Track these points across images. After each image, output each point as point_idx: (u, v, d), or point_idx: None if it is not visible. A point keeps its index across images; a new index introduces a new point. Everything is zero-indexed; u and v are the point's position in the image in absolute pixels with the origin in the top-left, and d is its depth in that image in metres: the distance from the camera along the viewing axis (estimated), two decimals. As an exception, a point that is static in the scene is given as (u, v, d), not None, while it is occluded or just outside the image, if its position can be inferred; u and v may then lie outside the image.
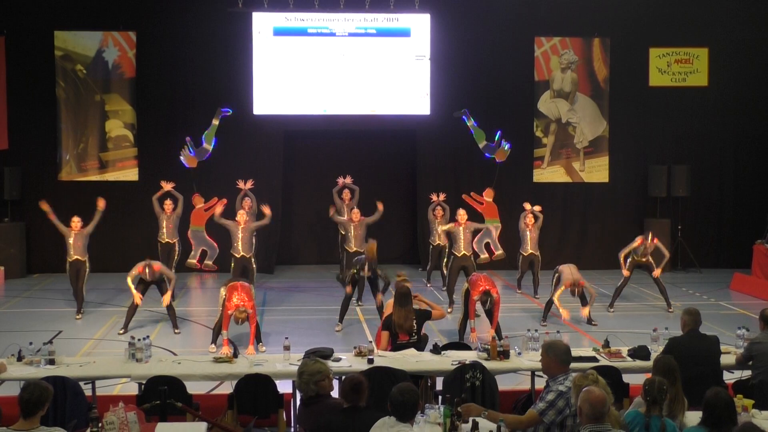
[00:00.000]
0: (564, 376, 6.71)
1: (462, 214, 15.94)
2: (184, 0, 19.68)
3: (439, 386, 8.94)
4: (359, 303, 15.90)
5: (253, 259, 15.84)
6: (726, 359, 8.88)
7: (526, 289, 17.46)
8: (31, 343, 9.12)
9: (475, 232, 16.55)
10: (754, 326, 10.56)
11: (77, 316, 14.94)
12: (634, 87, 20.82)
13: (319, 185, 20.11)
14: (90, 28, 19.84)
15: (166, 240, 17.82)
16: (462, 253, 15.61)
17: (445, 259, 17.06)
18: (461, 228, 15.68)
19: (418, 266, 20.17)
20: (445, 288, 16.53)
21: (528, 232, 17.10)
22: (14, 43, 19.62)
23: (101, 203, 15.29)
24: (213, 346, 12.22)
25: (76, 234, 15.05)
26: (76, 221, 15.05)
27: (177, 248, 17.87)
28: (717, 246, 21.02)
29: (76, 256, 15.08)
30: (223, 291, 12.00)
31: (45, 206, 15.12)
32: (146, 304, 15.63)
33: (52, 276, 18.98)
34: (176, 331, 13.75)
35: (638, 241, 15.50)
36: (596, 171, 20.86)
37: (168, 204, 17.78)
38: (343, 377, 6.57)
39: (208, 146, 19.31)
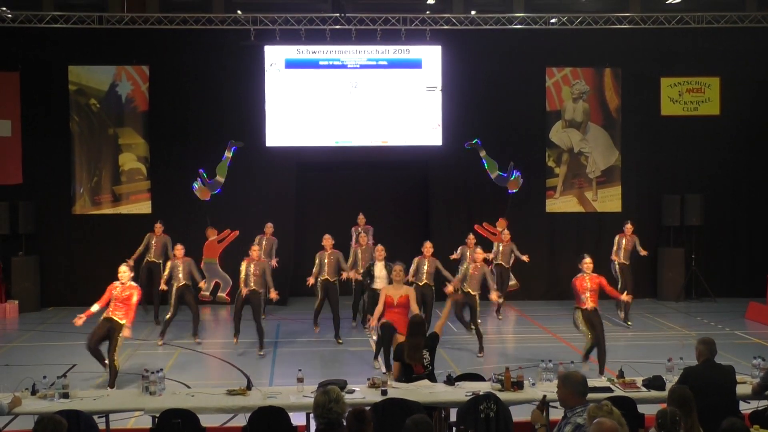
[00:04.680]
0: (582, 407, 6.64)
1: (427, 246, 15.59)
2: (197, 34, 19.82)
3: (453, 417, 8.91)
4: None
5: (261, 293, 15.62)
6: (742, 389, 8.81)
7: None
8: (45, 377, 9.13)
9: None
10: (769, 356, 10.48)
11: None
12: (646, 116, 20.82)
13: (331, 216, 20.12)
14: (103, 63, 20.02)
15: (152, 259, 17.99)
16: (423, 282, 15.34)
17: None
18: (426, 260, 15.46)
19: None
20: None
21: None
22: (29, 78, 19.80)
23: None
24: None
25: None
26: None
27: (162, 269, 17.31)
28: (731, 275, 20.88)
29: None
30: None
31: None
32: (159, 337, 15.70)
33: (66, 309, 18.99)
34: (159, 342, 14.83)
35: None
36: (609, 200, 20.83)
37: (158, 226, 18.07)
38: (347, 411, 6.53)
39: (221, 178, 19.38)
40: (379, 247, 15.59)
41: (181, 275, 15.34)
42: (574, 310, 12.74)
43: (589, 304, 12.45)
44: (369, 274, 15.67)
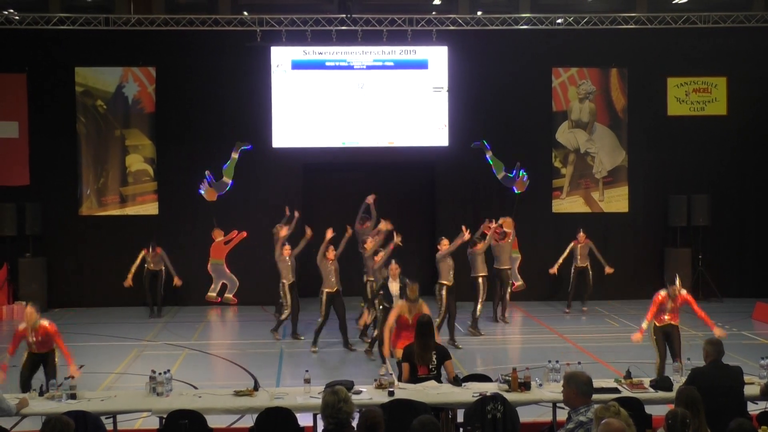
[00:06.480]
0: (585, 407, 6.65)
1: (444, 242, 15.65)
2: (203, 35, 19.84)
3: (460, 418, 8.89)
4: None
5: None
6: (749, 390, 8.80)
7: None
8: (53, 378, 9.14)
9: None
10: (777, 356, 10.45)
11: None
12: (652, 116, 20.78)
13: (338, 217, 20.08)
14: (110, 64, 20.05)
15: (152, 268, 18.52)
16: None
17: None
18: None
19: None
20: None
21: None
22: (36, 80, 19.85)
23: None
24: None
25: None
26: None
27: (162, 275, 18.58)
28: (738, 275, 20.82)
29: None
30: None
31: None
32: (166, 338, 15.71)
33: (73, 311, 19.05)
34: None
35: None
36: (615, 201, 20.80)
37: (156, 248, 18.63)
38: (360, 411, 6.51)
39: (228, 179, 19.45)
40: (393, 265, 14.67)
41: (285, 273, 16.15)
42: (649, 325, 11.60)
43: (666, 321, 11.46)
44: (386, 294, 14.69)
